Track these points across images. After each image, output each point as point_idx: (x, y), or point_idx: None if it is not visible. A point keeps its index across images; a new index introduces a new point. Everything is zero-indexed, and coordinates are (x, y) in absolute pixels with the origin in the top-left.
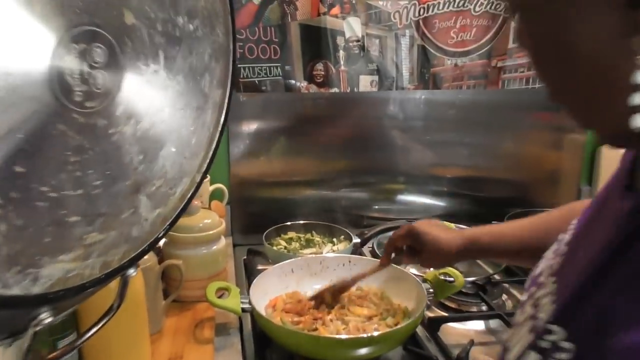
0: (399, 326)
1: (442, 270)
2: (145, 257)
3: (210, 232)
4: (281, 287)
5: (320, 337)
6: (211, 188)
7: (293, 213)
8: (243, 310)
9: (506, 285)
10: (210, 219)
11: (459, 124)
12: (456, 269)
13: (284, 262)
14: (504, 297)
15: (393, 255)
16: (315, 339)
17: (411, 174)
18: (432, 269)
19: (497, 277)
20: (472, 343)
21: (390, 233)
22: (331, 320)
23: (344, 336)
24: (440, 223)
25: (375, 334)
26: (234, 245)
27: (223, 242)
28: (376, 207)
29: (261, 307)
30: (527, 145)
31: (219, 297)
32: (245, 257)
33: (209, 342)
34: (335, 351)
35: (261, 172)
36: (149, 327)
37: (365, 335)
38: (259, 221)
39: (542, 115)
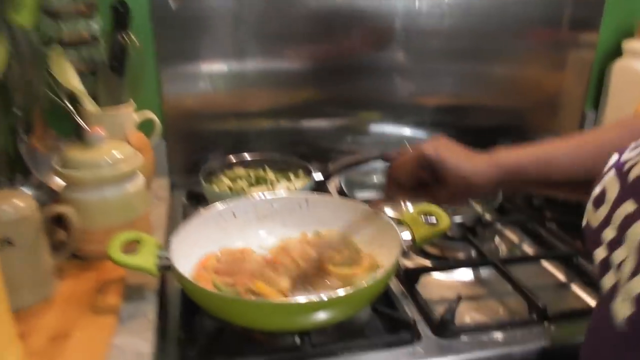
0: (364, 283)
1: (420, 208)
2: (21, 203)
3: (118, 168)
4: (219, 238)
5: (260, 304)
6: (137, 118)
7: (245, 148)
8: (161, 268)
9: (499, 226)
10: (119, 151)
11: (445, 41)
12: (439, 206)
13: (221, 203)
14: (497, 240)
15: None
16: (253, 307)
17: (388, 102)
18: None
19: (488, 217)
20: (459, 299)
21: (363, 168)
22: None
23: (291, 300)
24: (455, 144)
25: (334, 295)
26: (173, 188)
27: (139, 182)
28: (346, 140)
29: (186, 265)
30: (522, 67)
31: (130, 252)
32: (185, 201)
33: (110, 312)
34: (281, 319)
35: (204, 99)
36: (28, 296)
37: (318, 299)
38: (203, 159)
39: (541, 32)
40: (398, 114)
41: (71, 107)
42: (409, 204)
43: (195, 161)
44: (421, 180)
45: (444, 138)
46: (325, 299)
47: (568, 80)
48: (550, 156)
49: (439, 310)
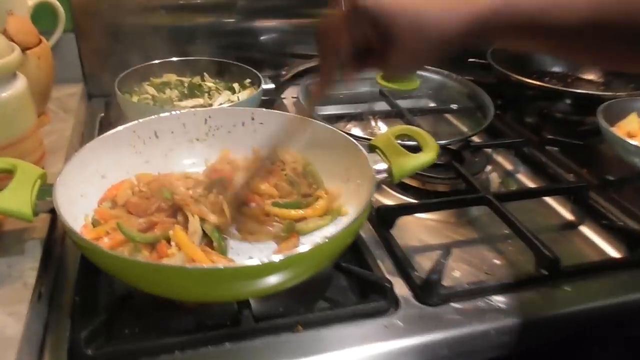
0: (325, 237)
1: (396, 130)
2: None
3: None
4: (133, 166)
5: (174, 269)
6: (32, 2)
7: (179, 50)
8: (43, 211)
9: (489, 150)
10: None
11: None
12: (419, 126)
13: (140, 120)
14: (488, 168)
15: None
16: (166, 272)
17: None
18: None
19: (476, 139)
20: (448, 252)
21: None
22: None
23: (219, 266)
24: None
25: (279, 257)
26: (89, 98)
27: (20, 86)
28: (303, 43)
29: (85, 203)
30: None
31: None
32: (102, 114)
33: None
34: (206, 288)
35: None
36: None
37: (259, 262)
38: (126, 60)
39: None
40: None
41: None
42: (381, 124)
43: (118, 64)
44: (365, 44)
45: None
46: (260, 263)
47: None
48: None
49: (422, 266)
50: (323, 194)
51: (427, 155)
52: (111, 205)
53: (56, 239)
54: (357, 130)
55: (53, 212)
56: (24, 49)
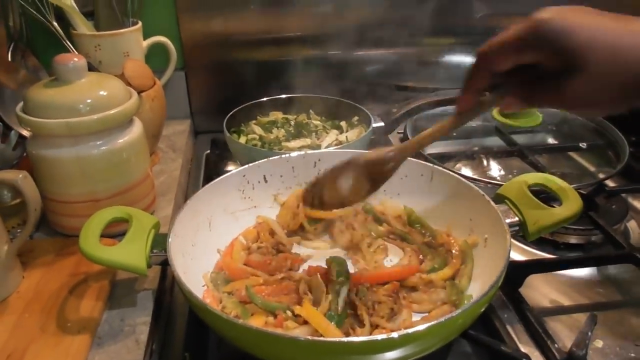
0: (455, 312)
1: (529, 179)
2: None
3: (105, 113)
4: (244, 212)
5: (308, 343)
6: (146, 43)
7: (284, 85)
8: (157, 264)
9: (625, 195)
10: (105, 90)
11: None
12: (553, 174)
13: (249, 165)
14: (630, 215)
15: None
16: (297, 346)
17: (464, 25)
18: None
19: (611, 182)
20: (592, 320)
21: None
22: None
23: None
24: (597, 11)
25: (411, 330)
26: (196, 134)
27: (137, 132)
28: (410, 73)
29: (200, 259)
30: None
31: (117, 235)
32: (208, 151)
33: (84, 329)
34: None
35: (232, 21)
36: None
37: (387, 337)
38: (233, 97)
39: None
40: (475, 38)
41: (58, 28)
42: (493, 163)
43: (223, 100)
44: (532, 70)
45: (579, 7)
46: (397, 337)
47: None
48: None
49: (557, 333)
50: (445, 237)
51: (569, 210)
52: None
53: (165, 289)
54: (467, 171)
55: (164, 264)
56: (140, 92)
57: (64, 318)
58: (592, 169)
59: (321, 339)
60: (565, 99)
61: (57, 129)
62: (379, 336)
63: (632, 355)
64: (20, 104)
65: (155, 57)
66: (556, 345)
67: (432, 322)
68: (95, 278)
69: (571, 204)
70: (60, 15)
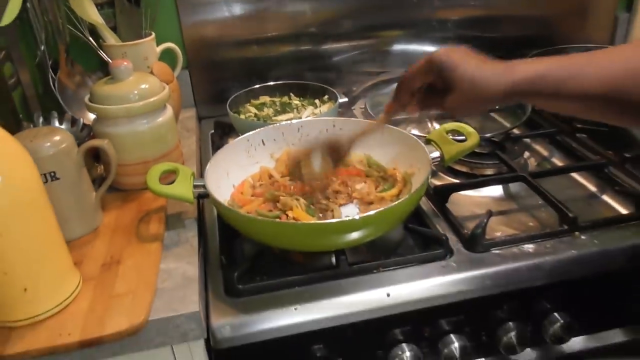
0: (397, 200)
1: (448, 126)
2: (60, 139)
3: (148, 100)
4: (249, 165)
5: (298, 225)
6: (159, 49)
7: (268, 75)
8: (198, 196)
9: (527, 140)
10: (147, 84)
11: None
12: (467, 123)
13: (250, 132)
14: (526, 154)
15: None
16: (292, 228)
17: (409, 19)
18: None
19: (516, 131)
20: (490, 214)
21: (387, 89)
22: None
23: (328, 221)
24: (472, 51)
25: (366, 214)
26: (200, 119)
27: (169, 113)
28: (368, 61)
29: (222, 192)
30: None
31: (168, 183)
32: (212, 131)
33: (155, 240)
34: (319, 239)
35: (223, 27)
36: (77, 227)
37: (352, 218)
38: (227, 88)
39: None
40: (420, 30)
41: (93, 41)
42: (435, 124)
43: (219, 91)
44: (432, 88)
45: (463, 47)
46: (358, 218)
47: None
48: (570, 68)
49: (469, 226)
50: (397, 173)
51: (471, 142)
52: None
53: (203, 216)
54: (416, 131)
55: (199, 199)
56: None
57: (141, 235)
58: (506, 124)
59: (309, 222)
60: (446, 107)
61: (118, 113)
62: (346, 219)
63: (517, 234)
64: (87, 96)
65: (166, 59)
66: (465, 231)
67: (385, 207)
68: (154, 212)
69: (472, 139)
70: (92, 30)
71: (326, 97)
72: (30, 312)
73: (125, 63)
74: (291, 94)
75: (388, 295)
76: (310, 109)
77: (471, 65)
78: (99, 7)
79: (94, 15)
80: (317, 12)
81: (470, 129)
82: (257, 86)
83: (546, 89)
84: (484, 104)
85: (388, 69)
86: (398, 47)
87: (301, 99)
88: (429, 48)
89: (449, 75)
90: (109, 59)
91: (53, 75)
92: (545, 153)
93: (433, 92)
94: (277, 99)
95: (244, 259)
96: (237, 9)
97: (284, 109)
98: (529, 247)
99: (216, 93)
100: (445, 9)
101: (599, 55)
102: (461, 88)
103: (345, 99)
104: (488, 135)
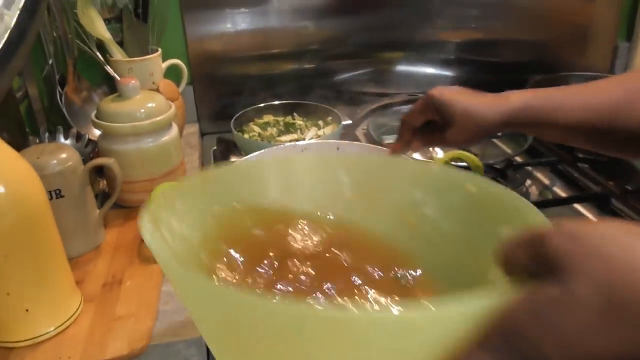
0: None
1: (450, 155)
2: (67, 156)
3: (155, 119)
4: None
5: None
6: (165, 65)
7: (271, 93)
8: None
9: (529, 168)
10: (154, 103)
11: None
12: (469, 151)
13: (255, 153)
14: (528, 182)
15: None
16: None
17: (411, 40)
18: (456, 148)
19: (518, 158)
20: None
21: (390, 110)
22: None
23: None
24: (465, 89)
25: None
26: (202, 135)
27: (175, 131)
28: (371, 81)
29: None
30: None
31: None
32: (215, 147)
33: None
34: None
35: (228, 43)
36: (80, 245)
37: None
38: (230, 104)
39: None
40: (423, 51)
41: (100, 56)
42: (438, 150)
43: (222, 107)
44: (432, 124)
45: (455, 86)
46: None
47: (599, 9)
48: (563, 98)
49: None
50: None
51: (473, 170)
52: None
53: None
54: (417, 155)
55: None
56: None
57: (143, 255)
58: (508, 151)
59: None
60: (447, 140)
61: (125, 131)
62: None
63: None
64: (94, 113)
65: (171, 75)
66: None
67: None
68: None
69: (474, 167)
70: (99, 45)
71: (330, 118)
72: (31, 333)
73: (132, 81)
74: (295, 113)
75: None
76: (313, 129)
77: (465, 99)
78: (107, 22)
79: (102, 31)
80: (321, 30)
81: (473, 157)
82: (261, 105)
83: (534, 118)
84: (481, 133)
85: (390, 89)
86: (400, 68)
87: (304, 119)
88: (431, 70)
89: (446, 110)
90: (116, 74)
91: (60, 90)
92: (546, 181)
93: (434, 128)
94: (280, 119)
95: None
96: (242, 25)
97: (288, 129)
98: None
99: (219, 109)
100: (447, 30)
101: (585, 87)
102: (459, 121)
103: (349, 122)
104: (490, 162)
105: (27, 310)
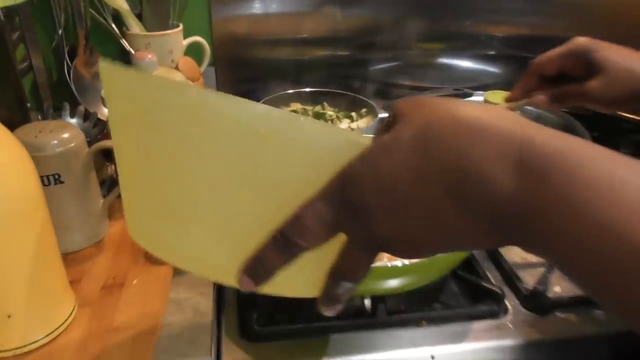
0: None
1: None
2: (69, 137)
3: None
4: None
5: None
6: (185, 42)
7: (299, 80)
8: None
9: None
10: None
11: None
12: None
13: None
14: None
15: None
16: None
17: (452, 32)
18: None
19: None
20: (551, 267)
21: None
22: None
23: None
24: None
25: (411, 262)
26: None
27: None
28: (408, 73)
29: None
30: None
31: None
32: None
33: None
34: None
35: (256, 24)
36: (79, 237)
37: (393, 264)
38: (255, 89)
39: None
40: (463, 44)
41: (116, 29)
42: None
43: (245, 92)
44: (569, 75)
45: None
46: (400, 265)
47: None
48: None
49: (524, 277)
50: None
51: None
52: None
53: None
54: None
55: None
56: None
57: (150, 254)
58: None
59: None
60: (588, 94)
61: None
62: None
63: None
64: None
65: (192, 54)
66: (523, 285)
67: (429, 259)
68: None
69: None
70: (116, 16)
71: (364, 110)
72: (13, 342)
73: (149, 56)
74: (325, 103)
75: (432, 358)
76: (346, 121)
77: (622, 50)
78: None
79: (120, 1)
80: (358, 19)
81: None
82: (289, 91)
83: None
84: (633, 94)
85: (426, 83)
86: (438, 61)
87: (336, 109)
88: (471, 64)
89: (597, 56)
90: (131, 49)
91: (69, 63)
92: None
93: (571, 81)
94: (309, 107)
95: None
96: (273, 6)
97: (318, 119)
98: (599, 313)
99: (242, 94)
100: (489, 24)
101: None
102: (613, 69)
103: (386, 114)
104: None
105: (9, 317)
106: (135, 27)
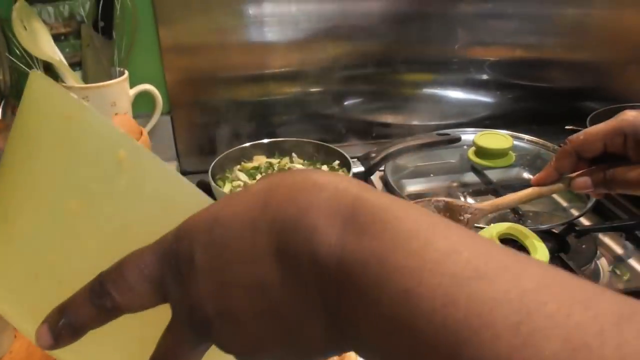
0: None
1: (501, 229)
2: None
3: None
4: None
5: None
6: (133, 92)
7: (265, 124)
8: None
9: (599, 235)
10: None
11: None
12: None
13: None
14: (600, 252)
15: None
16: None
17: (440, 59)
18: None
19: (584, 220)
20: None
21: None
22: None
23: None
24: None
25: None
26: (183, 174)
27: None
28: (390, 110)
29: None
30: (613, 6)
31: None
32: None
33: None
34: None
35: (213, 63)
36: None
37: None
38: (216, 137)
39: None
40: (449, 72)
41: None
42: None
43: (207, 141)
44: (615, 155)
45: None
46: None
47: None
48: None
49: None
50: None
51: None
52: None
53: None
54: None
55: None
56: None
57: None
58: (564, 204)
59: None
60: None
61: None
62: None
63: None
64: None
65: (142, 103)
66: None
67: None
68: None
69: (535, 253)
70: (48, 67)
71: (337, 162)
72: None
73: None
74: (294, 154)
75: None
76: None
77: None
78: (63, 37)
79: (49, 51)
80: (329, 45)
81: (535, 240)
82: (249, 144)
83: None
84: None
85: (416, 120)
86: (427, 91)
87: (306, 162)
88: (461, 95)
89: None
90: None
91: None
92: (619, 251)
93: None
94: (275, 161)
95: None
96: (233, 38)
97: None
98: None
99: (203, 143)
100: (480, 46)
101: None
102: None
103: (361, 168)
104: (544, 227)
105: None
106: (70, 79)
